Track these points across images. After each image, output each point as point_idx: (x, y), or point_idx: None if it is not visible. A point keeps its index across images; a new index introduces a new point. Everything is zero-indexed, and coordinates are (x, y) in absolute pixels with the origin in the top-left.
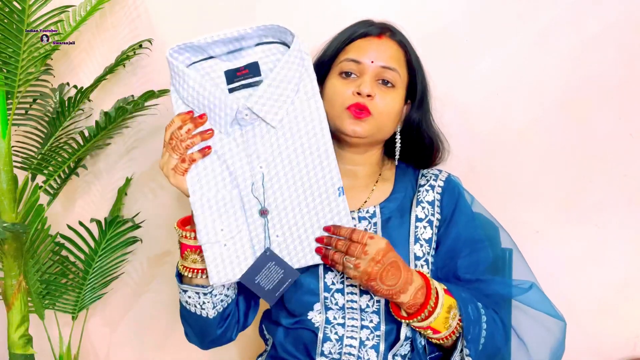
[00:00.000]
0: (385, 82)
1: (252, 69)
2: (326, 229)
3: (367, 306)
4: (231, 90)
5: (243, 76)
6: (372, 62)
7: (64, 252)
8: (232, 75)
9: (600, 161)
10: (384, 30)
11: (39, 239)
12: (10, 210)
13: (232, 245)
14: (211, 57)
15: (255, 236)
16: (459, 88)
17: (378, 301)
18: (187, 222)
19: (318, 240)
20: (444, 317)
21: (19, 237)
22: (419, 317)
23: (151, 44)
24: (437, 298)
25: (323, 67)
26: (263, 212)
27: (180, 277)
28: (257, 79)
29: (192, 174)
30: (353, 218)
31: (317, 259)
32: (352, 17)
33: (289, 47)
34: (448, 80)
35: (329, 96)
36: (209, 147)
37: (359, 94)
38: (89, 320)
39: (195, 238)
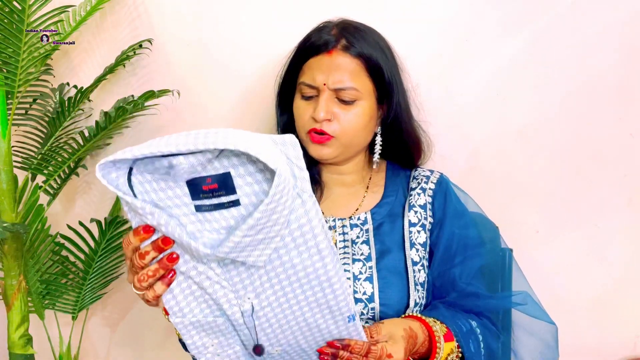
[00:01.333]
0: (343, 100)
1: (223, 184)
2: (331, 344)
3: (362, 314)
4: (198, 209)
5: (211, 192)
6: (325, 84)
7: (64, 252)
8: (197, 189)
9: (600, 161)
10: (337, 41)
11: (39, 239)
12: (10, 210)
13: (226, 357)
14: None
15: (249, 346)
16: (459, 88)
17: (373, 308)
18: None
19: (321, 353)
20: None
21: (19, 237)
22: None
23: (151, 44)
24: (441, 350)
25: (289, 83)
26: (257, 350)
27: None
28: (230, 198)
29: (167, 298)
30: (344, 226)
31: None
32: (348, 15)
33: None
34: (448, 80)
35: (295, 118)
36: (172, 273)
37: (315, 119)
38: (89, 320)
39: None
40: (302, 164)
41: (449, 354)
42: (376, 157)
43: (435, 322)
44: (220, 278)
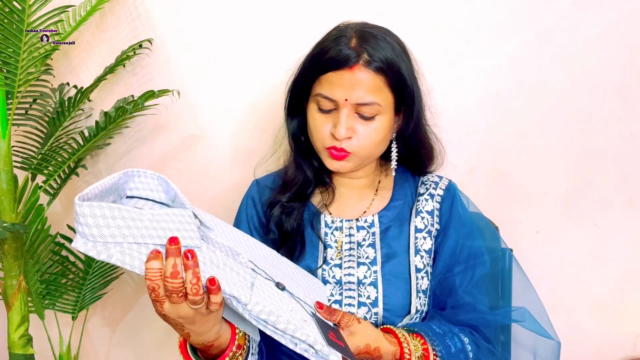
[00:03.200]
0: (364, 116)
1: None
2: None
3: (365, 318)
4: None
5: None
6: (346, 100)
7: (64, 252)
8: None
9: (600, 161)
10: (359, 55)
11: (39, 239)
12: (10, 210)
13: (306, 315)
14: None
15: (296, 306)
16: (459, 88)
17: (376, 313)
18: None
19: None
20: None
21: (19, 237)
22: None
23: (151, 44)
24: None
25: (302, 89)
26: (280, 286)
27: None
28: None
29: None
30: (351, 228)
31: (323, 298)
32: (353, 15)
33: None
34: (448, 80)
35: (310, 128)
36: (214, 279)
37: (335, 137)
38: (89, 320)
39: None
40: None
41: None
42: (393, 164)
43: (417, 348)
44: (223, 254)
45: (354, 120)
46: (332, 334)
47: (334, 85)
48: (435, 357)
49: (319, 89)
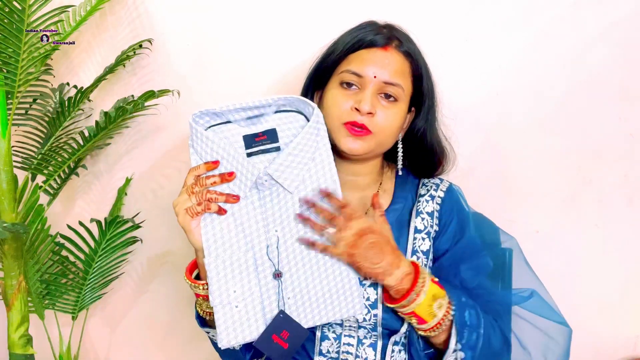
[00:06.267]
0: (387, 96)
1: (270, 136)
2: (322, 191)
3: (364, 319)
4: (249, 155)
5: (261, 142)
6: (375, 76)
7: (64, 252)
8: (250, 141)
9: (600, 161)
10: (390, 40)
11: (39, 239)
12: (10, 210)
13: (243, 307)
14: (229, 122)
15: (267, 298)
16: (459, 88)
17: (375, 315)
18: (194, 267)
19: (305, 201)
20: (427, 305)
21: (19, 237)
22: (403, 302)
23: (151, 44)
24: (423, 286)
25: (325, 72)
26: (277, 275)
27: (200, 319)
28: (274, 145)
29: (209, 235)
30: None
31: (328, 318)
32: (353, 16)
33: (304, 115)
34: (448, 80)
35: (327, 107)
36: (224, 210)
37: (358, 110)
38: (89, 320)
39: (206, 289)
40: (323, 121)
41: (433, 299)
42: (399, 164)
43: (422, 270)
44: (257, 212)
45: (377, 100)
46: (283, 334)
47: (366, 61)
48: (449, 303)
49: (347, 65)
